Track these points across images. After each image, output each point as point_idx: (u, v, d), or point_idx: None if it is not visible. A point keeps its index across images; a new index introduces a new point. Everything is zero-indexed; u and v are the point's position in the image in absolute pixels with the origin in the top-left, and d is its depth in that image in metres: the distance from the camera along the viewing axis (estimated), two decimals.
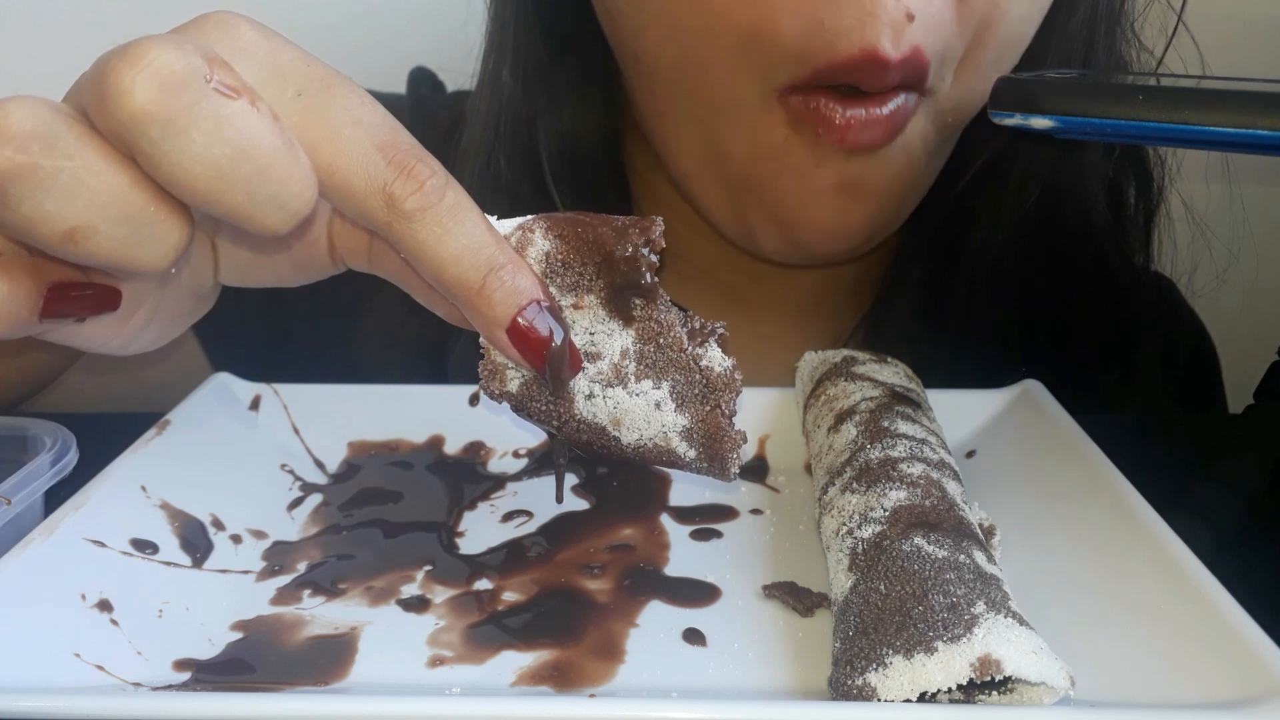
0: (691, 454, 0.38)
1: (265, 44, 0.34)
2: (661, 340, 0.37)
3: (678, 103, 0.52)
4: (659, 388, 0.38)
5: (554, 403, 0.39)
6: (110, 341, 0.40)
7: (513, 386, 0.39)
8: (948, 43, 0.47)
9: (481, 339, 0.38)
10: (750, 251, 0.56)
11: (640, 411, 0.38)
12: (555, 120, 0.60)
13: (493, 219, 0.37)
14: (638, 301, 0.37)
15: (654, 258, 0.37)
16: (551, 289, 0.37)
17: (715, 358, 0.38)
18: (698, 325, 0.38)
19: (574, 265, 0.37)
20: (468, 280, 0.35)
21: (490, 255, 0.35)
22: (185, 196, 0.32)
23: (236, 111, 0.31)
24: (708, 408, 0.38)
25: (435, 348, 0.63)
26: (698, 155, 0.53)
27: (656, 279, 0.37)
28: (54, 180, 0.31)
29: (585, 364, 0.38)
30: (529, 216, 0.38)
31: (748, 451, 0.51)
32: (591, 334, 0.38)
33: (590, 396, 0.38)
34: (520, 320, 0.36)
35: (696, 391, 0.38)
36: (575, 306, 0.38)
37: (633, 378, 0.38)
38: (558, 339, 0.36)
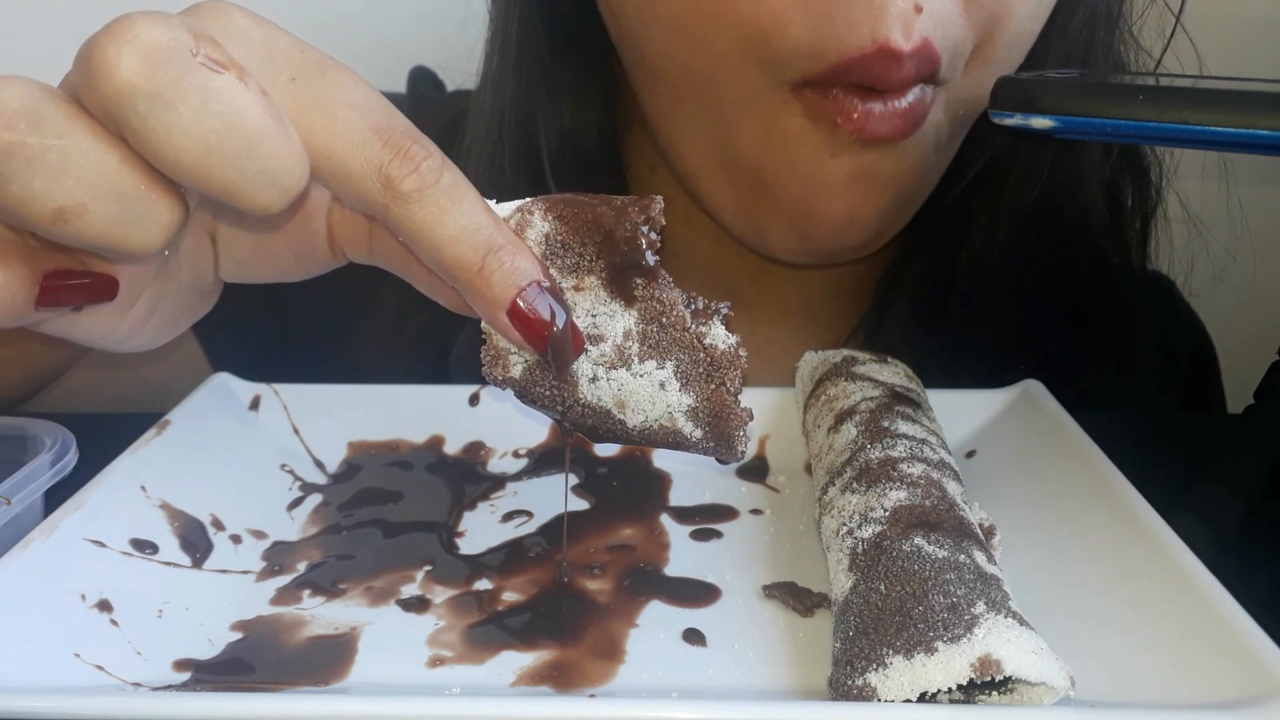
0: (698, 434, 0.38)
1: (258, 30, 0.33)
2: (664, 320, 0.37)
3: (686, 100, 0.51)
4: (663, 368, 0.37)
5: (558, 387, 0.38)
6: (109, 334, 0.39)
7: (516, 372, 0.38)
8: (958, 37, 0.47)
9: (483, 324, 0.38)
10: (758, 251, 0.56)
11: (645, 393, 0.38)
12: (556, 119, 0.60)
13: (491, 203, 0.37)
14: (639, 281, 0.37)
15: (654, 236, 0.37)
16: (552, 271, 0.37)
17: (719, 335, 0.37)
18: (701, 305, 0.38)
19: (574, 246, 0.37)
20: (466, 261, 0.35)
21: (489, 236, 0.35)
22: (175, 173, 0.31)
23: (224, 86, 0.31)
24: (712, 386, 0.37)
25: (436, 348, 0.63)
26: (707, 152, 0.53)
27: (657, 257, 0.37)
28: (42, 158, 0.30)
29: (588, 346, 0.38)
30: (527, 199, 0.38)
31: (748, 452, 0.51)
32: (593, 316, 0.38)
33: (594, 379, 0.38)
34: (520, 302, 0.35)
35: (701, 370, 0.37)
36: (576, 288, 0.37)
37: (636, 359, 0.37)
38: (559, 320, 0.36)
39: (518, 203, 0.38)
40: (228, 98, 0.31)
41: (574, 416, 0.39)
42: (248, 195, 0.32)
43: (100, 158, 0.31)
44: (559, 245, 0.37)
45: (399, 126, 0.34)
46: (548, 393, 0.38)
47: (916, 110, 0.47)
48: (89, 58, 0.30)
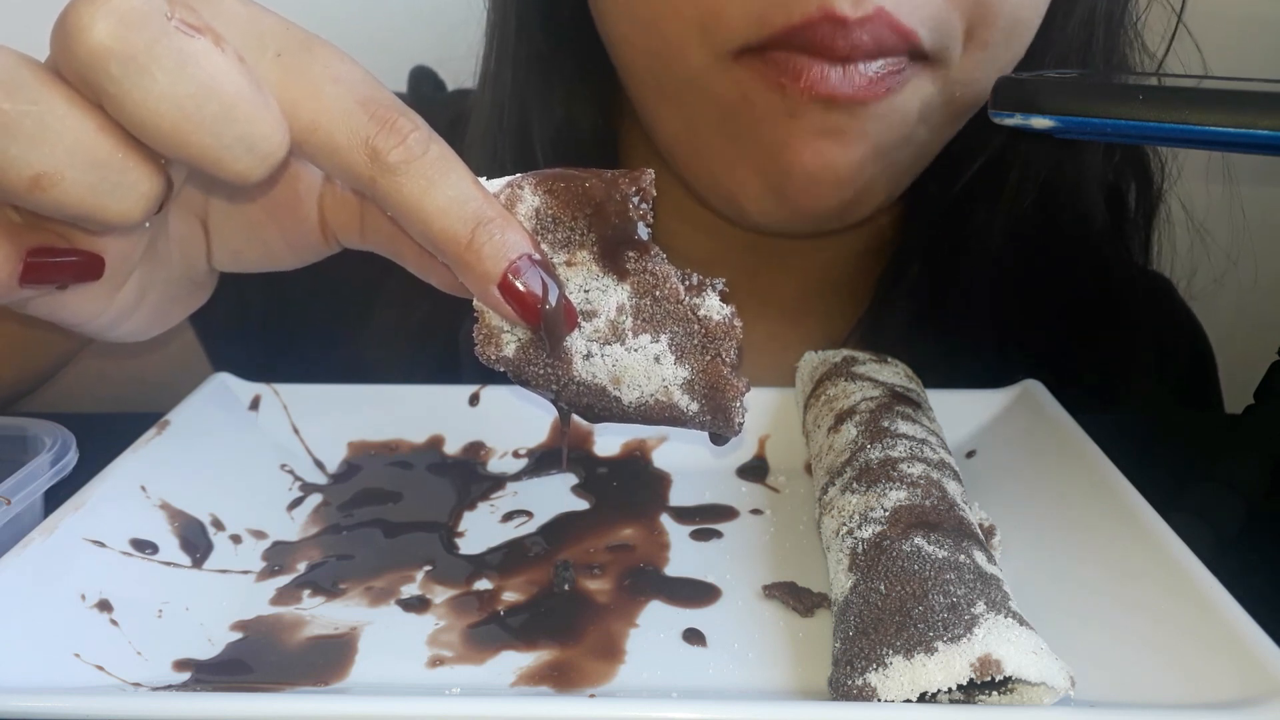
0: (694, 407, 0.37)
1: (244, 10, 0.33)
2: (658, 293, 0.37)
3: (650, 84, 0.52)
4: (657, 341, 0.37)
5: (552, 365, 0.38)
6: (98, 318, 0.39)
7: (509, 351, 0.38)
8: (937, 12, 0.46)
9: (475, 301, 0.37)
10: (739, 223, 0.55)
11: (640, 367, 0.37)
12: (550, 114, 0.60)
13: (482, 179, 0.36)
14: (631, 255, 0.37)
15: (645, 207, 0.37)
16: (543, 246, 0.37)
17: (713, 306, 0.37)
18: (695, 280, 0.37)
19: (565, 220, 0.37)
20: (455, 234, 0.34)
21: (477, 208, 0.35)
22: (151, 139, 0.31)
23: (199, 50, 0.30)
24: (708, 357, 0.37)
25: (440, 341, 0.63)
26: (677, 133, 0.53)
27: (650, 230, 0.37)
28: (17, 125, 0.30)
29: (581, 322, 0.37)
30: (517, 175, 0.37)
31: (748, 451, 0.51)
32: (586, 291, 0.37)
33: (588, 356, 0.37)
34: (511, 275, 0.35)
35: (696, 342, 0.37)
36: (568, 263, 0.37)
37: (630, 333, 0.37)
38: (551, 295, 0.36)
39: (507, 179, 0.37)
40: (203, 61, 0.30)
41: (569, 395, 0.38)
42: (226, 163, 0.32)
43: (76, 124, 0.31)
44: (550, 220, 0.37)
45: (385, 100, 0.34)
46: (542, 371, 0.38)
47: (886, 80, 0.47)
48: (64, 23, 0.30)
